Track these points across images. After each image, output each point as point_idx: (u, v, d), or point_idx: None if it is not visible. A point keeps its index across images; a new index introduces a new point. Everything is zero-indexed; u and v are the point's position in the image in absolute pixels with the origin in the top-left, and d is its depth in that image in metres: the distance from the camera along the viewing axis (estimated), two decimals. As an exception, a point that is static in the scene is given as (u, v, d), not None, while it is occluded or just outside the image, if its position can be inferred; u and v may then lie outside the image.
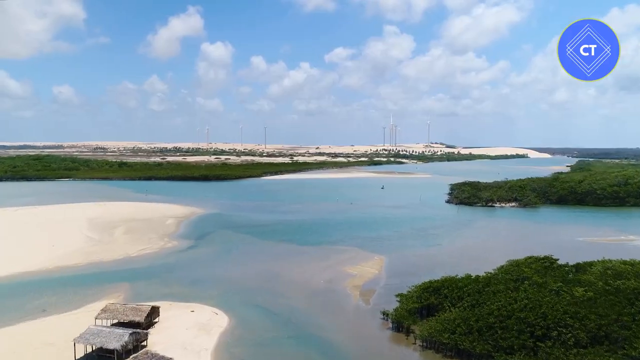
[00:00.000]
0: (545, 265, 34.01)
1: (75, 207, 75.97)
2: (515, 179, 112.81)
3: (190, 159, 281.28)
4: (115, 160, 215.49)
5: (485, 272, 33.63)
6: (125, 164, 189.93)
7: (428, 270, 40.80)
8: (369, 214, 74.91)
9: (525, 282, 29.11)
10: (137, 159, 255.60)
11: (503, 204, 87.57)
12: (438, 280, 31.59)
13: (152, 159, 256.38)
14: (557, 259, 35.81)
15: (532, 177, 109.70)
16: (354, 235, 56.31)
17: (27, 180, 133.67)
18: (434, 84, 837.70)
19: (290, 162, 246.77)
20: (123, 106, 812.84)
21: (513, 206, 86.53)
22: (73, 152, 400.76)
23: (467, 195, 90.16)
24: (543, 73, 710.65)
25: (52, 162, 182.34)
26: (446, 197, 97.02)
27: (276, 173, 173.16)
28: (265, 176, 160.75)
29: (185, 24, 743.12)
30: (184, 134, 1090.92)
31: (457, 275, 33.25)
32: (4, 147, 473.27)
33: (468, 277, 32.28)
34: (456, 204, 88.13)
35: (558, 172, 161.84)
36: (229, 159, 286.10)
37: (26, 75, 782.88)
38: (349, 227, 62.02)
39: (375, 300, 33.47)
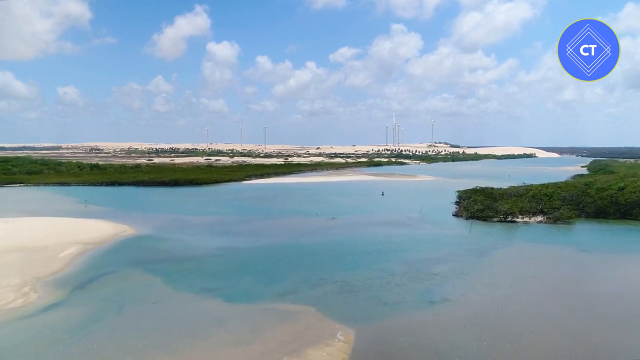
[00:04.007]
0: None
1: (-33, 226, 57.77)
2: (530, 182, 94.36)
3: (178, 160, 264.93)
4: (102, 162, 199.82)
5: None
6: (97, 166, 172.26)
7: (426, 372, 22.20)
8: (351, 236, 56.13)
9: None
10: (124, 161, 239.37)
11: (527, 219, 68.58)
12: None
13: (139, 161, 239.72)
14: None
15: (557, 183, 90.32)
16: (317, 279, 37.49)
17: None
18: (440, 83, 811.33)
19: (282, 163, 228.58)
20: (128, 107, 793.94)
21: (540, 221, 67.51)
22: (66, 153, 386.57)
23: (481, 207, 70.93)
24: (552, 71, 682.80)
25: (19, 165, 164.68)
26: (453, 208, 78.38)
27: (262, 176, 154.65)
28: (249, 180, 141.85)
29: (191, 23, 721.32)
30: (188, 135, 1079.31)
31: None
32: (3, 148, 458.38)
33: None
34: (466, 218, 69.24)
35: (577, 174, 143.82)
36: (219, 160, 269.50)
37: (31, 76, 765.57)
38: (316, 262, 43.21)
39: None
